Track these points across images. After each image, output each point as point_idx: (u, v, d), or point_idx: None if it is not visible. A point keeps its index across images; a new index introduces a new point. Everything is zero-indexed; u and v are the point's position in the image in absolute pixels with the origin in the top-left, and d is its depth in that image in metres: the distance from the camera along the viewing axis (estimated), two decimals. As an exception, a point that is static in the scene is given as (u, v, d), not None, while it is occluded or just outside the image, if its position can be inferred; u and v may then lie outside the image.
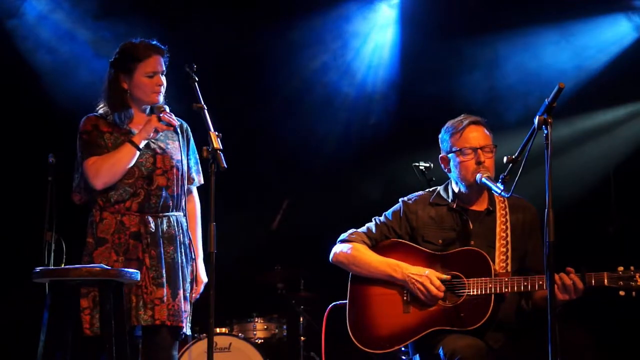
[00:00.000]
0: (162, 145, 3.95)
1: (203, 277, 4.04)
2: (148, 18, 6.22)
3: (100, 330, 3.58)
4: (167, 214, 3.92)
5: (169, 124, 3.87)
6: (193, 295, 3.97)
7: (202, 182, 4.15)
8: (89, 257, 3.83)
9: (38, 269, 3.57)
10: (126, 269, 3.60)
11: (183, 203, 4.01)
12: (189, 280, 3.96)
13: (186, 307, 3.91)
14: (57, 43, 6.46)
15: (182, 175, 3.98)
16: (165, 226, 3.90)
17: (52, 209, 4.31)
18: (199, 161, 4.13)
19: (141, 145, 3.83)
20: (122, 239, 3.84)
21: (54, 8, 6.43)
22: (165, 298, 3.82)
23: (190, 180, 4.10)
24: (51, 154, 4.41)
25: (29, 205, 5.27)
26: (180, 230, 3.97)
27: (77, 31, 6.48)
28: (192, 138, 4.13)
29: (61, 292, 3.59)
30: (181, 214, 4.00)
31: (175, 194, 3.93)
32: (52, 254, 4.34)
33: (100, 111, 3.95)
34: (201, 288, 4.03)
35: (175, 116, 4.03)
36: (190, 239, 4.02)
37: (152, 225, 3.86)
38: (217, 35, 6.67)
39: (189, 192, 4.12)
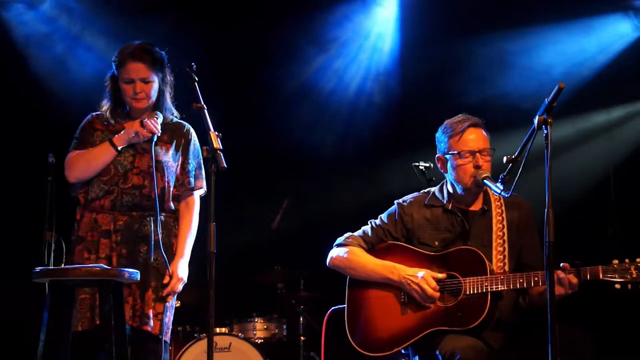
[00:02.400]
0: (146, 146, 3.94)
1: (181, 274, 3.94)
2: (149, 18, 6.22)
3: (100, 330, 3.58)
4: (141, 213, 3.92)
5: (150, 131, 3.89)
6: (167, 290, 3.90)
7: (203, 187, 4.09)
8: (71, 255, 3.93)
9: (38, 269, 3.57)
10: (126, 269, 3.60)
11: (168, 205, 3.99)
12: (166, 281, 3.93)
13: (159, 309, 3.88)
14: (58, 43, 6.46)
15: (167, 177, 3.97)
16: (139, 225, 3.91)
17: (52, 209, 4.30)
18: (202, 166, 4.13)
19: (120, 147, 3.90)
20: (94, 237, 3.91)
21: (58, 8, 6.43)
22: (130, 298, 3.83)
23: (187, 184, 4.06)
24: (51, 154, 4.40)
25: (29, 205, 5.26)
26: (162, 231, 3.93)
27: (80, 31, 6.48)
28: (194, 142, 4.11)
29: (61, 292, 3.59)
30: (165, 214, 3.99)
31: (154, 194, 3.91)
32: (52, 254, 4.33)
33: (104, 108, 4.03)
34: (178, 285, 3.93)
35: (179, 118, 4.07)
36: (175, 238, 4.01)
37: (122, 223, 3.90)
38: (218, 35, 6.68)
39: (187, 195, 4.08)
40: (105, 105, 4.04)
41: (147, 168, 3.92)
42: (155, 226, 3.91)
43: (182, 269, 3.98)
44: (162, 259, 3.90)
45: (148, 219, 3.93)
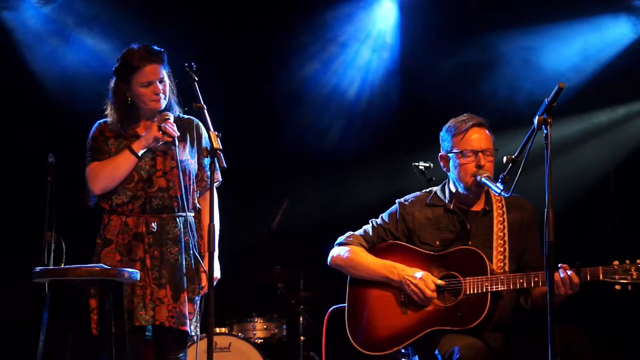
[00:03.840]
0: (163, 147, 3.95)
1: (216, 273, 3.99)
2: (149, 18, 6.22)
3: (100, 330, 3.59)
4: (171, 214, 3.93)
5: (169, 135, 3.87)
6: (203, 290, 3.95)
7: (220, 179, 4.11)
8: (97, 258, 3.88)
9: (38, 269, 3.57)
10: (125, 269, 3.61)
11: (194, 203, 4.01)
12: (196, 281, 3.95)
13: (191, 309, 3.91)
14: (58, 43, 6.46)
15: (188, 175, 3.98)
16: (169, 227, 3.91)
17: (52, 209, 4.31)
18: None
19: (140, 153, 3.87)
20: (125, 239, 3.88)
21: (61, 7, 6.43)
22: (165, 299, 3.83)
23: (205, 179, 4.06)
24: (51, 154, 4.41)
25: (29, 205, 5.27)
26: (189, 232, 3.96)
27: (78, 31, 6.48)
28: (205, 135, 4.08)
29: (61, 292, 3.60)
30: (191, 214, 4.00)
31: (180, 194, 3.92)
32: (52, 254, 4.34)
33: (112, 116, 3.99)
34: (213, 283, 3.98)
35: (185, 114, 4.07)
36: (201, 238, 4.02)
37: (154, 225, 3.88)
38: (217, 34, 6.68)
39: (205, 190, 4.06)
40: (113, 113, 3.97)
41: (170, 169, 3.92)
42: (185, 227, 3.93)
43: (216, 266, 3.98)
44: (195, 259, 3.93)
45: (178, 220, 3.94)
